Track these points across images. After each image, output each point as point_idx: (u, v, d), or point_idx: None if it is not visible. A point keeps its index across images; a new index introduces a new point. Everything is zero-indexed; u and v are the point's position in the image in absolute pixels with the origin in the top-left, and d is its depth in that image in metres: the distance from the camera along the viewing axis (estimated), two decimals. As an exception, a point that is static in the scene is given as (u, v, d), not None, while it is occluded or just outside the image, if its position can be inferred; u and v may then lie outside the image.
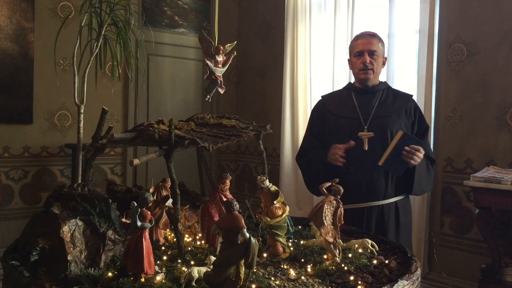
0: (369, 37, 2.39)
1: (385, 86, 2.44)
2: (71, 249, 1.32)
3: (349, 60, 2.48)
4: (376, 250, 1.63)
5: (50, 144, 4.46)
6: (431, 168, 2.37)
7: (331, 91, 3.87)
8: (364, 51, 2.35)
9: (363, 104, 2.37)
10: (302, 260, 1.53)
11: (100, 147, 1.53)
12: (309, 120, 2.58)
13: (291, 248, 1.64)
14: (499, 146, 3.41)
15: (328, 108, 2.45)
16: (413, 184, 2.26)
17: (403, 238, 2.32)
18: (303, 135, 2.61)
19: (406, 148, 2.14)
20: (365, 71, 2.35)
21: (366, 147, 2.23)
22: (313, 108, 2.60)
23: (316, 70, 4.53)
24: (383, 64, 2.43)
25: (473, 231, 3.54)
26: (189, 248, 1.60)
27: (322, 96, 2.59)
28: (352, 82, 2.53)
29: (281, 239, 1.59)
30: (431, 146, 3.71)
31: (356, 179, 2.25)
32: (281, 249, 1.58)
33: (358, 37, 2.43)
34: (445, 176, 3.71)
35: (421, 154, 2.17)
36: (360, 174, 2.25)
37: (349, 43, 2.77)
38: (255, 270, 1.36)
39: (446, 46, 3.70)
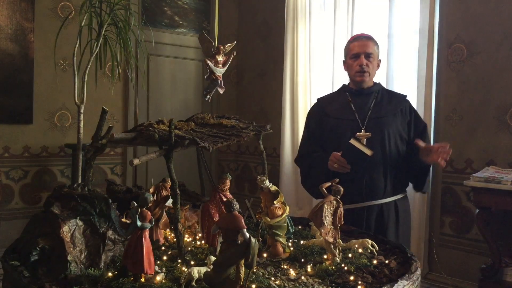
0: (366, 39, 2.41)
1: (379, 87, 2.47)
2: (71, 249, 1.32)
3: (344, 62, 2.50)
4: (376, 250, 1.63)
5: (50, 144, 4.46)
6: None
7: (331, 91, 3.87)
8: (361, 53, 2.37)
9: (359, 105, 2.39)
10: (302, 260, 1.53)
11: (100, 147, 1.53)
12: (305, 123, 2.60)
13: (291, 248, 1.64)
14: (499, 146, 3.41)
15: (325, 111, 2.47)
16: (425, 179, 2.36)
17: (402, 238, 2.33)
18: (301, 138, 2.62)
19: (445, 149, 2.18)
20: (362, 74, 2.37)
21: None
22: (309, 111, 2.63)
23: (316, 70, 4.53)
24: (378, 66, 2.46)
25: (473, 231, 3.54)
26: (189, 248, 1.60)
27: (317, 99, 2.61)
28: (346, 84, 2.54)
29: (281, 239, 1.59)
30: (431, 146, 3.72)
31: (355, 179, 2.26)
32: (281, 249, 1.58)
33: (354, 39, 2.45)
34: (445, 176, 3.71)
35: None
36: (360, 174, 2.26)
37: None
38: (255, 270, 1.35)
39: (446, 46, 3.70)
